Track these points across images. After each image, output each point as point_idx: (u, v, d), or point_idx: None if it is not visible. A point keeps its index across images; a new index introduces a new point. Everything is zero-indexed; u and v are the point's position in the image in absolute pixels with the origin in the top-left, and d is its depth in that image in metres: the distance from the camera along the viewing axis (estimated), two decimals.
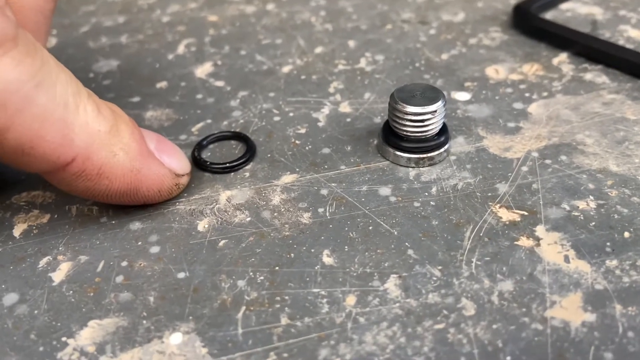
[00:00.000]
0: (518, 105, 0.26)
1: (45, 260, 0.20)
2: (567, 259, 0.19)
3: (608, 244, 0.19)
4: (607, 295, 0.18)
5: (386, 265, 0.19)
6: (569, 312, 0.17)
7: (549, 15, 0.32)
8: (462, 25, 0.33)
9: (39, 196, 0.23)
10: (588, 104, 0.26)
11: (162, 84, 0.29)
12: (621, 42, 0.30)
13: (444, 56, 0.30)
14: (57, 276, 0.19)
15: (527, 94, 0.27)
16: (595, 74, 0.28)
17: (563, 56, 0.29)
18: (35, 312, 0.18)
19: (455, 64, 0.29)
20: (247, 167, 0.24)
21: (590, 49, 0.28)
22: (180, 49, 0.32)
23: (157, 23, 0.34)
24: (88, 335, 0.18)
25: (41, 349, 0.17)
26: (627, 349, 0.16)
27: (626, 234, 0.20)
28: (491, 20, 0.33)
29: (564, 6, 0.33)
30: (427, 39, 0.32)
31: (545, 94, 0.27)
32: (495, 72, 0.28)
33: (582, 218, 0.20)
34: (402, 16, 0.34)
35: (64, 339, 0.17)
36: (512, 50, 0.30)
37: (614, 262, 0.19)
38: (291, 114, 0.26)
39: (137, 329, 0.18)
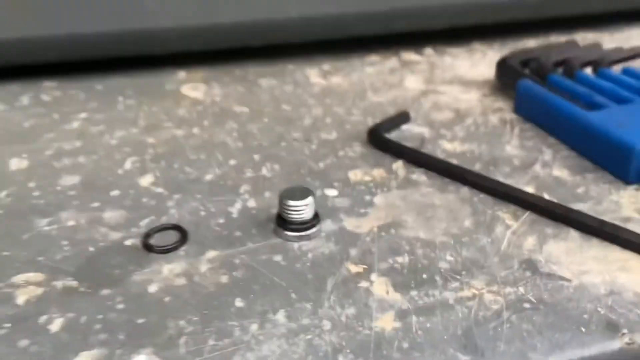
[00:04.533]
0: (367, 198, 0.39)
1: None
2: (388, 292, 0.31)
3: (412, 282, 0.31)
4: (409, 311, 0.30)
5: (277, 304, 0.30)
6: (386, 322, 0.29)
7: (393, 134, 0.46)
8: (335, 142, 0.46)
9: None
10: (412, 196, 0.39)
11: (116, 192, 0.39)
12: (438, 152, 0.44)
13: (321, 165, 0.43)
14: None
15: (373, 190, 0.39)
16: (418, 175, 0.41)
17: (399, 163, 0.43)
18: None
19: (328, 170, 0.42)
20: (183, 248, 0.34)
21: (416, 158, 0.42)
22: (127, 165, 0.43)
23: (107, 145, 0.45)
24: None
25: None
26: (416, 339, 0.28)
27: (424, 276, 0.32)
28: (354, 138, 0.46)
29: (404, 127, 0.47)
30: (309, 153, 0.44)
31: (385, 189, 0.40)
32: (355, 175, 0.41)
33: (399, 267, 0.32)
34: (293, 135, 0.47)
35: None
36: (366, 159, 0.43)
37: (415, 293, 0.31)
38: (213, 209, 0.37)
39: None
